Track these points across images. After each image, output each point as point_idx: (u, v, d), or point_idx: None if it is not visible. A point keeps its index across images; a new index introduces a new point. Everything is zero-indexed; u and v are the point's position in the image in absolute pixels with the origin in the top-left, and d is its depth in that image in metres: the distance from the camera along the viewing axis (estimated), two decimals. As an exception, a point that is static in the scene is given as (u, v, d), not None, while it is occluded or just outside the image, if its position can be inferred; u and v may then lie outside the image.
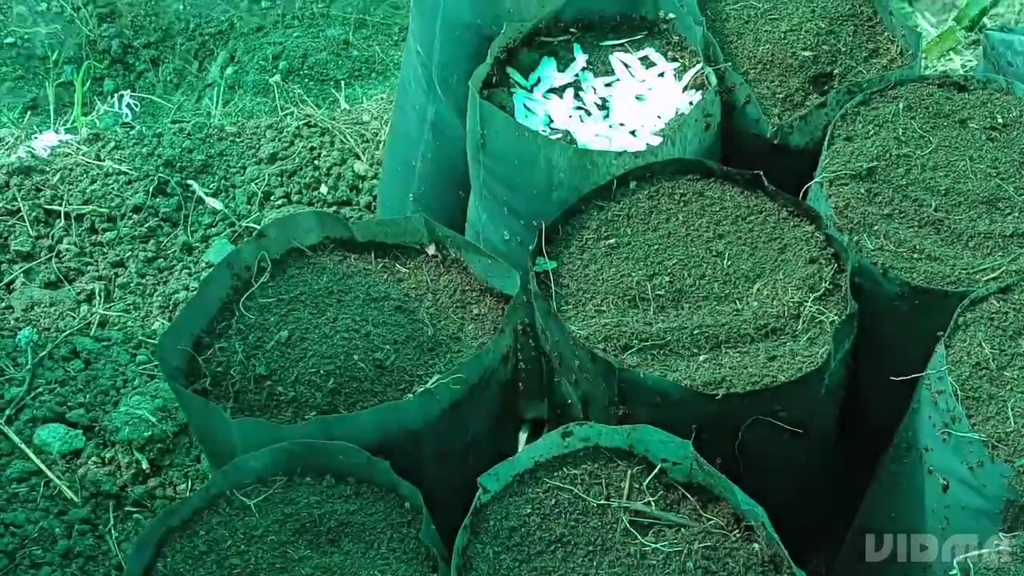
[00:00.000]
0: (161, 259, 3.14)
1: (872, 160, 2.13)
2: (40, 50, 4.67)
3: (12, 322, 2.90)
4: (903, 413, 1.90)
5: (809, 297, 1.94)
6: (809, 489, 2.11)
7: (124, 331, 2.89)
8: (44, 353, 2.80)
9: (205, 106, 4.27)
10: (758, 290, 1.97)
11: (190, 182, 3.29)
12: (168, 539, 1.75)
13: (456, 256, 2.14)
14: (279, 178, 3.33)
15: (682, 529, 1.71)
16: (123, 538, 2.46)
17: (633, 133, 2.29)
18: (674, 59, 2.42)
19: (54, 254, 3.12)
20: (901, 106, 2.23)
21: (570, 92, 2.36)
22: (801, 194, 2.14)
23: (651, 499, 1.74)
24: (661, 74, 2.39)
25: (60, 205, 3.19)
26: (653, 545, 1.69)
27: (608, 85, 2.39)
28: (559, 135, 2.26)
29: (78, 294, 3.03)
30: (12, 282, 3.05)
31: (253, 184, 3.31)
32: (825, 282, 1.97)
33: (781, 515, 1.72)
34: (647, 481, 1.76)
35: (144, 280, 3.08)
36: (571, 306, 1.98)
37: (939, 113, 2.23)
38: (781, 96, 2.38)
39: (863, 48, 2.46)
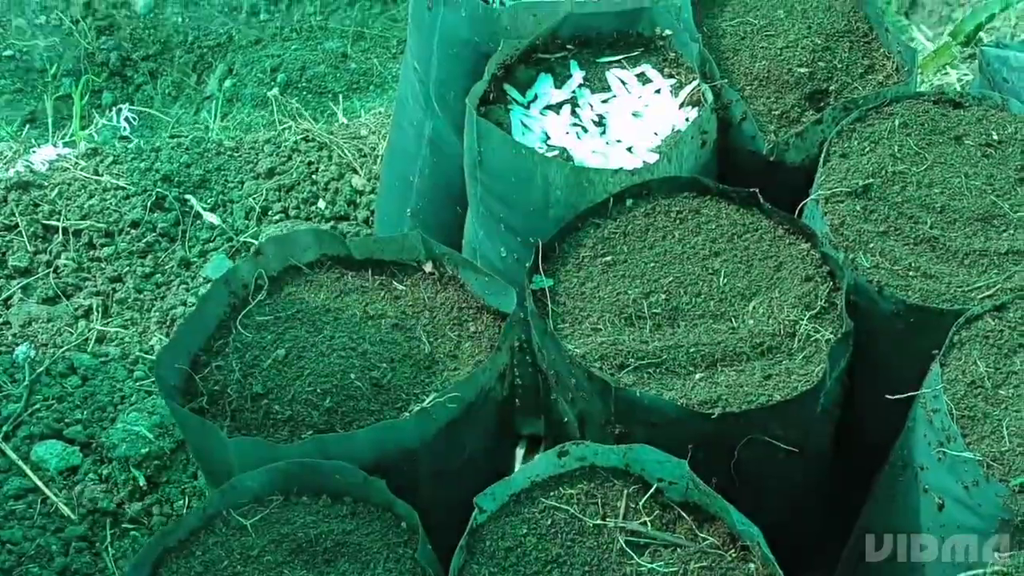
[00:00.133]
0: (159, 274, 3.14)
1: (868, 177, 2.14)
2: (39, 63, 4.68)
3: (10, 338, 2.90)
4: (898, 431, 1.90)
5: (805, 315, 1.95)
6: (805, 508, 2.11)
7: (121, 347, 2.90)
8: (41, 369, 2.80)
9: (203, 119, 4.28)
10: (754, 308, 1.98)
11: (188, 197, 3.29)
12: (165, 559, 1.75)
13: (453, 273, 2.15)
14: (277, 193, 3.33)
15: (678, 549, 1.71)
16: (120, 555, 2.46)
17: (630, 150, 2.30)
18: (670, 76, 2.43)
19: (52, 269, 3.12)
20: (897, 123, 2.23)
21: (567, 109, 2.37)
22: (797, 211, 2.14)
23: (647, 519, 1.74)
24: (657, 91, 2.40)
25: (58, 220, 3.20)
26: (649, 565, 1.69)
27: (605, 102, 2.39)
28: (556, 152, 2.27)
29: (76, 310, 3.03)
30: (10, 298, 3.06)
31: (251, 199, 3.31)
32: (821, 300, 1.97)
33: (777, 534, 1.72)
34: (643, 501, 1.76)
35: (142, 295, 3.09)
36: (568, 324, 1.99)
37: (935, 130, 2.23)
38: (777, 113, 2.38)
39: (859, 64, 2.47)
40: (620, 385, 1.85)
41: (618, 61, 2.45)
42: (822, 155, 2.19)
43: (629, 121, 2.35)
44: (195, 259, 3.18)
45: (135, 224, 3.21)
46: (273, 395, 1.94)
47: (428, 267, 2.16)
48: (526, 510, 1.76)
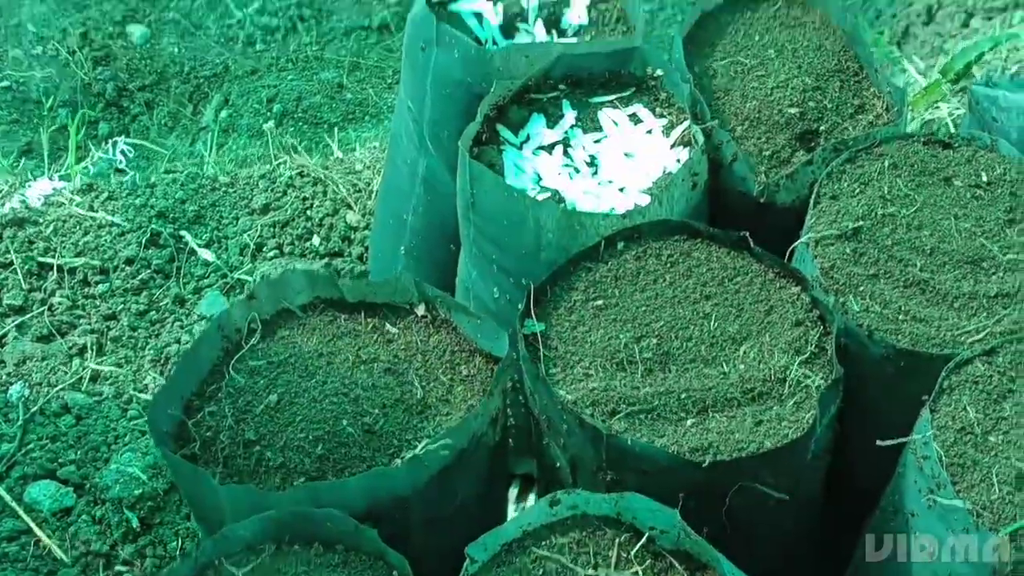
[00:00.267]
0: (153, 311, 3.15)
1: (857, 219, 2.15)
2: (35, 94, 4.70)
3: (4, 377, 2.90)
4: (889, 477, 1.90)
5: (795, 360, 1.95)
6: (796, 554, 2.11)
7: (115, 385, 2.90)
8: (35, 408, 2.80)
9: (199, 151, 4.29)
10: (744, 353, 1.98)
11: (183, 233, 3.30)
12: (156, 609, 1.76)
13: (445, 316, 2.15)
14: (271, 229, 3.34)
15: (669, 599, 1.71)
16: (112, 598, 2.46)
17: (622, 190, 2.31)
18: (662, 116, 2.44)
19: (46, 307, 3.13)
20: (886, 164, 2.24)
21: (559, 149, 2.38)
22: (787, 254, 2.15)
23: (639, 568, 1.74)
24: (649, 131, 2.41)
25: (53, 257, 3.21)
26: (640, 615, 1.69)
27: (597, 142, 2.41)
28: (548, 194, 2.28)
29: (70, 348, 3.03)
30: (4, 336, 3.06)
31: (245, 235, 3.32)
32: (811, 345, 1.98)
33: (768, 582, 1.72)
34: (635, 550, 1.76)
35: (136, 333, 3.09)
36: (559, 369, 1.99)
37: (924, 171, 2.24)
38: (767, 153, 2.39)
39: (849, 104, 2.48)
40: (611, 432, 1.85)
41: (610, 101, 2.47)
42: (812, 197, 2.20)
43: (621, 161, 2.36)
44: (189, 296, 3.19)
45: (130, 261, 3.21)
46: (265, 441, 1.95)
47: (420, 310, 2.17)
48: (518, 560, 1.76)
